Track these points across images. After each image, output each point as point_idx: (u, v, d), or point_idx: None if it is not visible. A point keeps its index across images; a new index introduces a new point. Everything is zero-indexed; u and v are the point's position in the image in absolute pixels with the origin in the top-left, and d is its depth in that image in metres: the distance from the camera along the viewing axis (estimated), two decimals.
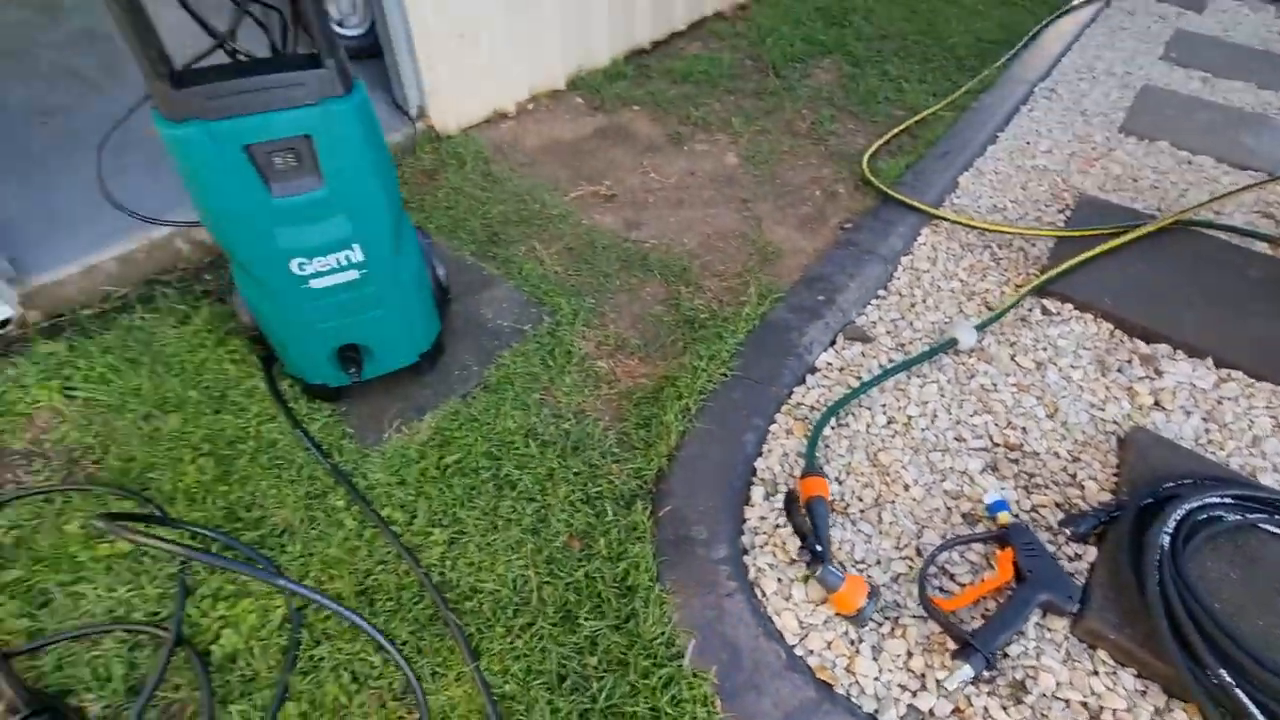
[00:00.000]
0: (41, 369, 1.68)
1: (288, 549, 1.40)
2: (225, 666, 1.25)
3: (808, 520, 1.42)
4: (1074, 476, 1.60)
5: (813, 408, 1.78)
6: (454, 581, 1.40)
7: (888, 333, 2.01)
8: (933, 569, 1.42)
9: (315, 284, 1.38)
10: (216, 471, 1.52)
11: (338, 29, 2.74)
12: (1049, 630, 1.33)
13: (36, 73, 2.68)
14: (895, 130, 2.93)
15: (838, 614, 1.34)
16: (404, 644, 1.30)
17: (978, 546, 1.46)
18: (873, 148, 2.80)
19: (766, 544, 1.48)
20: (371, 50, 2.62)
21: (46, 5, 3.13)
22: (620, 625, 1.34)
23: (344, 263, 1.38)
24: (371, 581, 1.38)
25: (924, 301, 2.12)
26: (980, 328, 1.94)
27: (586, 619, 1.35)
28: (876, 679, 1.27)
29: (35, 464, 1.53)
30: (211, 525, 1.42)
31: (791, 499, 1.47)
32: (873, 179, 2.57)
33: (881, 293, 2.16)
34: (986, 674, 1.24)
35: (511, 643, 1.31)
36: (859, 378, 1.87)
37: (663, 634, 1.31)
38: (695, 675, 1.25)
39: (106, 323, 1.85)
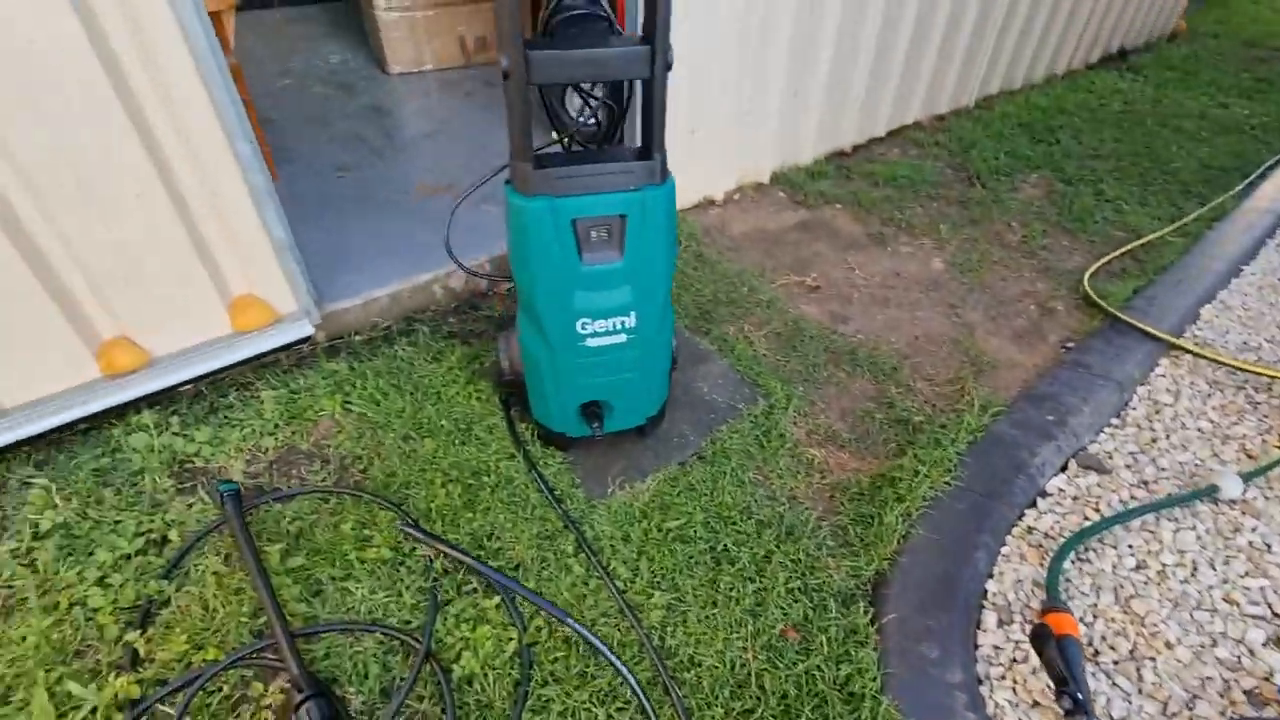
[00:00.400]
0: (328, 383, 1.94)
1: (524, 583, 1.48)
2: (463, 687, 1.32)
3: (1059, 661, 1.30)
4: None
5: (1047, 534, 1.66)
6: (673, 649, 1.40)
7: (1127, 466, 1.86)
8: None
9: (591, 342, 1.52)
10: (463, 498, 1.65)
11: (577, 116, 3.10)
12: None
13: (335, 138, 3.23)
14: (1118, 252, 2.79)
15: None
16: (626, 703, 1.31)
17: None
18: (1092, 267, 2.68)
19: (1005, 676, 1.36)
20: (605, 138, 2.91)
21: (343, 85, 3.79)
22: None
23: (618, 327, 1.51)
24: (595, 632, 1.42)
25: (1167, 438, 1.94)
26: (1246, 478, 1.75)
27: (809, 718, 1.29)
28: None
29: (315, 465, 1.75)
30: (461, 548, 1.54)
31: (1042, 633, 1.36)
32: (1100, 300, 2.44)
33: (1116, 421, 2.01)
34: None
35: None
36: (1098, 510, 1.72)
37: None
38: None
39: (374, 350, 2.12)
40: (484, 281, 2.46)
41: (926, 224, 2.99)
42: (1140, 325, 2.28)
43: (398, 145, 3.25)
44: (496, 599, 1.45)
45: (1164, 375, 2.16)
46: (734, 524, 1.64)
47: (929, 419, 1.98)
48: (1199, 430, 1.97)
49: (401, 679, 1.32)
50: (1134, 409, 2.05)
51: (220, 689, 1.28)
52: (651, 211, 1.39)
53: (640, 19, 1.39)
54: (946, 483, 1.74)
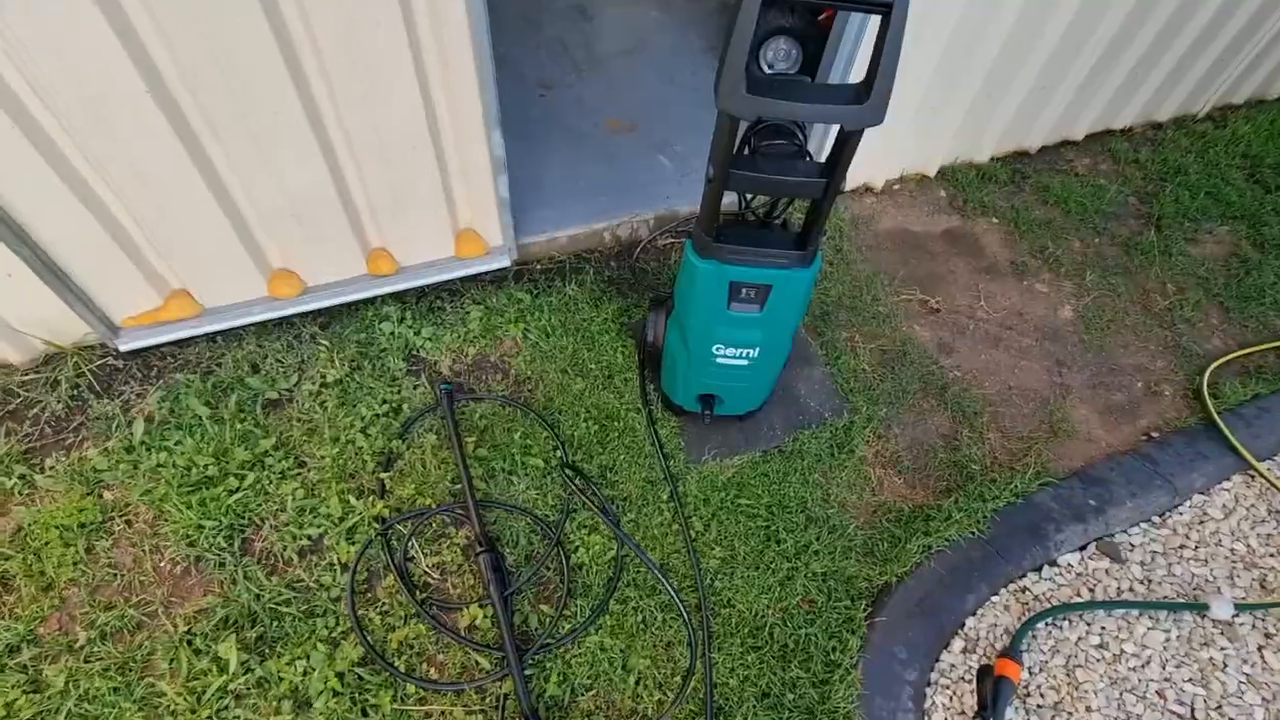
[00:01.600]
0: (514, 310, 2.51)
1: (626, 514, 2.08)
2: (576, 570, 1.98)
3: (990, 693, 1.78)
4: None
5: (1037, 598, 2.05)
6: (718, 590, 1.99)
7: (1141, 562, 2.15)
8: None
9: (719, 360, 1.96)
10: (598, 435, 2.23)
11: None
12: None
13: (541, 43, 3.52)
14: (1263, 346, 2.76)
15: None
16: (677, 616, 1.93)
17: None
18: (1226, 357, 2.69)
19: (949, 688, 1.86)
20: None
21: None
22: (816, 684, 1.85)
23: (744, 355, 1.93)
24: (669, 561, 2.02)
25: (1195, 549, 2.19)
26: (1242, 609, 2.01)
27: (795, 666, 1.87)
28: None
29: (499, 375, 2.37)
30: (591, 478, 2.15)
31: (985, 670, 1.82)
32: (1208, 397, 2.53)
33: (1155, 520, 2.26)
34: None
35: (741, 656, 1.88)
36: (1092, 590, 2.07)
37: (844, 709, 1.79)
38: None
39: (549, 282, 2.64)
40: (644, 233, 2.87)
41: (1076, 265, 3.01)
42: (1231, 438, 2.39)
43: (596, 59, 3.51)
44: None
45: (1228, 491, 2.33)
46: (789, 513, 2.14)
47: (985, 470, 2.31)
48: (1230, 551, 2.19)
49: (539, 553, 2.00)
50: (1180, 514, 2.27)
51: (431, 526, 2.01)
52: (793, 286, 1.74)
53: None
54: (972, 533, 2.13)
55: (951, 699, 1.84)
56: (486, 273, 2.54)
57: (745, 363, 1.96)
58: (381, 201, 2.18)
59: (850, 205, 3.11)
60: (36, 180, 1.74)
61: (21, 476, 1.94)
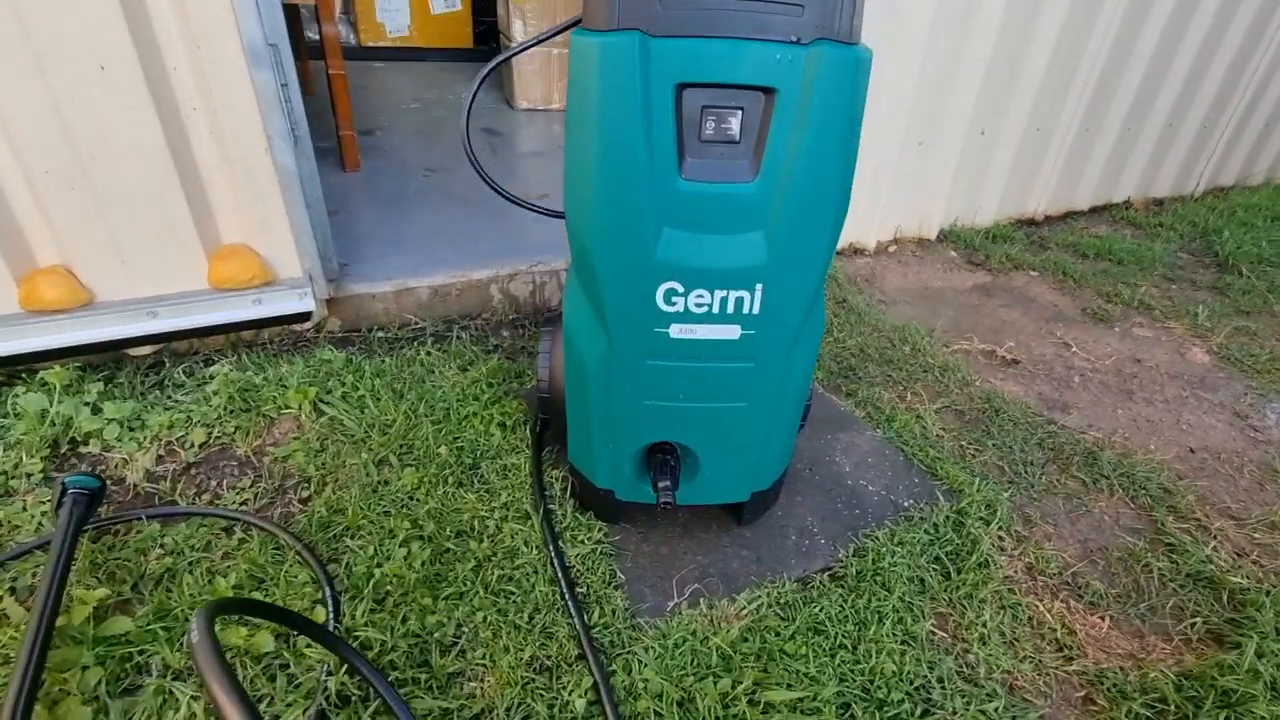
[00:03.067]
0: (308, 373, 1.39)
1: None
2: None
3: None
4: None
5: None
6: None
7: None
8: None
9: (676, 331, 0.86)
10: (427, 570, 0.99)
11: None
12: None
13: (437, 147, 2.93)
14: None
15: None
16: None
17: None
18: None
19: None
20: None
21: (457, 106, 3.62)
22: None
23: (730, 309, 0.85)
24: None
25: None
26: None
27: None
28: None
29: (245, 478, 1.17)
30: (385, 655, 0.86)
31: None
32: None
33: None
34: None
35: None
36: None
37: None
38: None
39: (392, 348, 1.58)
40: (556, 297, 1.91)
41: (1170, 307, 2.14)
42: None
43: (501, 158, 2.90)
44: None
45: None
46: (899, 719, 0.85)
47: (1257, 583, 1.11)
48: None
49: None
50: None
51: None
52: (824, 88, 0.75)
53: None
54: None
55: None
56: (272, 321, 1.47)
57: (735, 332, 0.87)
58: (45, 162, 1.20)
59: (841, 265, 2.28)
60: None
61: None
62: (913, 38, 2.07)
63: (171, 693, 0.81)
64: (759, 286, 0.85)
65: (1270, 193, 3.40)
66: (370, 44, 4.04)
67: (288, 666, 0.84)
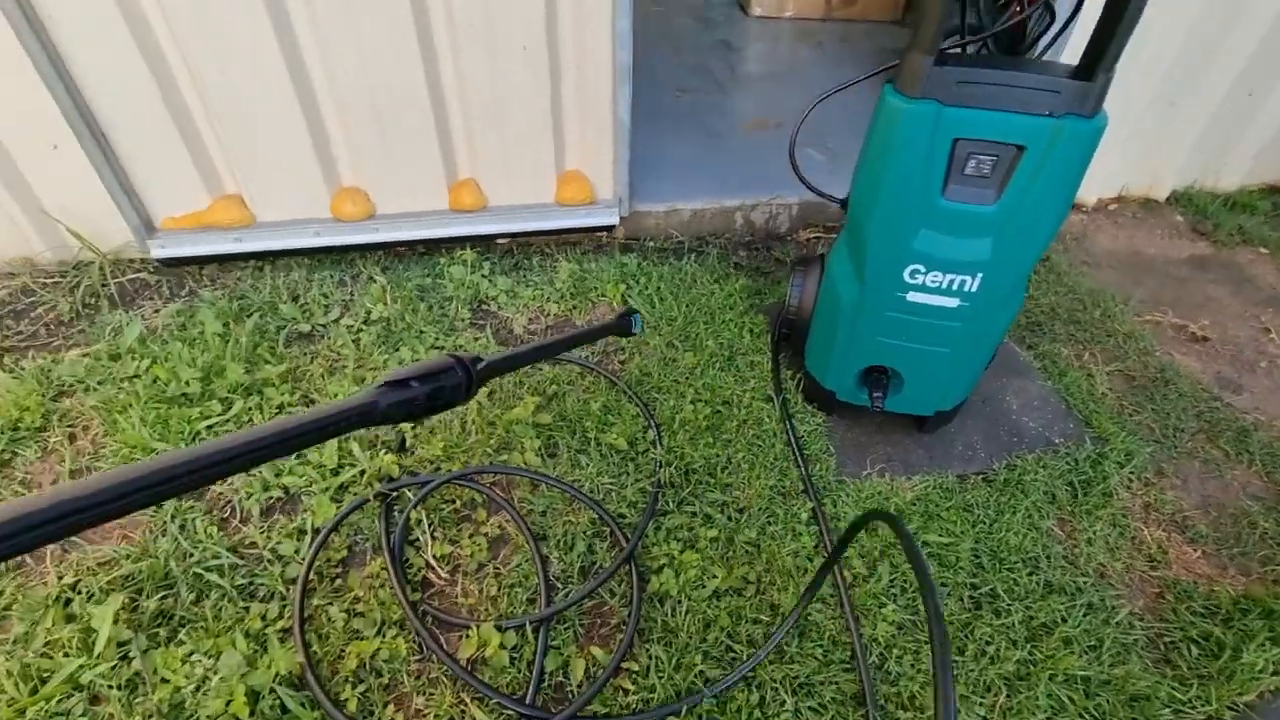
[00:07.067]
0: (616, 271, 1.97)
1: (743, 532, 1.34)
2: (653, 602, 1.24)
3: None
4: None
5: None
6: (893, 676, 1.16)
7: None
8: None
9: (913, 296, 1.28)
10: (708, 420, 1.55)
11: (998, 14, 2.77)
12: None
13: (683, 63, 3.28)
14: None
15: None
16: (823, 708, 1.11)
17: None
18: None
19: None
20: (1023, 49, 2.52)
21: (704, 20, 3.85)
22: None
23: (956, 287, 1.24)
24: (808, 613, 1.22)
25: None
26: None
27: None
28: None
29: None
30: (693, 468, 1.45)
31: None
32: None
33: None
34: None
35: None
36: None
37: None
38: None
39: (663, 257, 2.10)
40: (785, 222, 2.31)
41: None
42: None
43: (739, 79, 3.20)
44: (714, 531, 1.33)
45: None
46: (1011, 570, 1.31)
47: None
48: None
49: (601, 567, 1.28)
50: None
51: (454, 502, 1.36)
52: (1062, 151, 1.08)
53: None
54: None
55: None
56: (588, 229, 2.06)
57: (955, 303, 1.27)
58: (479, 109, 1.79)
59: None
60: (98, 19, 1.48)
61: None
62: None
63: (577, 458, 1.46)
64: (979, 275, 1.22)
65: None
66: None
67: (635, 459, 1.46)
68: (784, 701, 1.10)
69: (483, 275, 1.92)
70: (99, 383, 1.51)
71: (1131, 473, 1.51)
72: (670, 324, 1.82)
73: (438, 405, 0.84)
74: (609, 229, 2.08)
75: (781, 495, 1.42)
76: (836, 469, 1.48)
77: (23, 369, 1.55)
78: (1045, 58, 1.24)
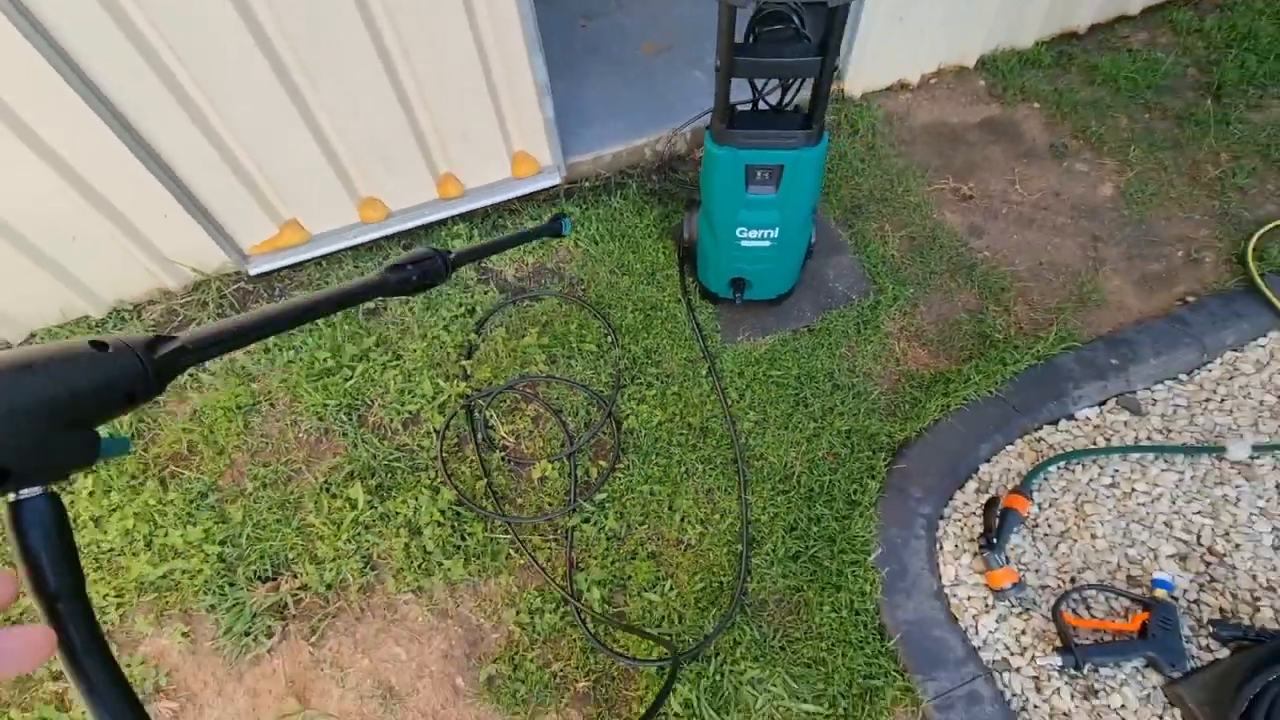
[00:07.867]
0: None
1: (670, 388, 2.39)
2: (627, 434, 2.32)
3: (998, 521, 1.99)
4: (1256, 600, 1.89)
5: (1052, 446, 2.22)
6: (752, 448, 2.28)
7: (1162, 415, 2.26)
8: (1076, 595, 1.92)
9: (744, 243, 2.19)
10: (642, 322, 2.53)
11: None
12: (1144, 676, 1.80)
13: None
14: None
15: (986, 585, 1.95)
16: (716, 467, 2.24)
17: (1124, 602, 1.91)
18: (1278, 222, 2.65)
19: (960, 520, 2.09)
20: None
21: None
22: (839, 518, 2.12)
23: (765, 237, 2.16)
24: (707, 425, 2.32)
25: (1221, 402, 2.27)
26: (1261, 450, 2.10)
27: (820, 505, 2.14)
28: (991, 632, 1.90)
29: (555, 279, 2.70)
30: (636, 359, 2.46)
31: (993, 502, 2.04)
32: (1250, 261, 2.52)
33: (1182, 378, 2.34)
34: (1073, 671, 1.79)
35: (771, 497, 2.17)
36: (1108, 440, 2.21)
37: (863, 535, 2.06)
38: (871, 568, 2.00)
39: (596, 197, 2.92)
40: (681, 146, 3.08)
41: (1121, 142, 2.98)
42: (1272, 297, 2.40)
43: (629, 13, 3.66)
44: (654, 390, 2.38)
45: (1265, 348, 2.36)
46: (817, 382, 2.38)
47: (1008, 339, 2.45)
48: (1259, 403, 2.25)
49: (594, 420, 2.35)
50: (1209, 370, 2.34)
51: (506, 401, 2.39)
52: (804, 166, 1.95)
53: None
54: (990, 391, 2.30)
55: (962, 529, 2.07)
56: (540, 191, 2.85)
57: (768, 244, 2.19)
58: (447, 132, 2.52)
59: (884, 103, 3.18)
60: (179, 128, 2.18)
61: (190, 374, 2.46)
62: None
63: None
64: (776, 228, 2.13)
65: None
66: None
67: (602, 356, 2.47)
68: (689, 462, 2.22)
69: (475, 242, 2.77)
70: (268, 370, 2.45)
71: (897, 309, 2.54)
72: (610, 257, 2.72)
73: (425, 283, 1.08)
74: (555, 186, 2.88)
75: (690, 362, 2.46)
76: (721, 341, 2.50)
77: (212, 368, 2.48)
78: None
